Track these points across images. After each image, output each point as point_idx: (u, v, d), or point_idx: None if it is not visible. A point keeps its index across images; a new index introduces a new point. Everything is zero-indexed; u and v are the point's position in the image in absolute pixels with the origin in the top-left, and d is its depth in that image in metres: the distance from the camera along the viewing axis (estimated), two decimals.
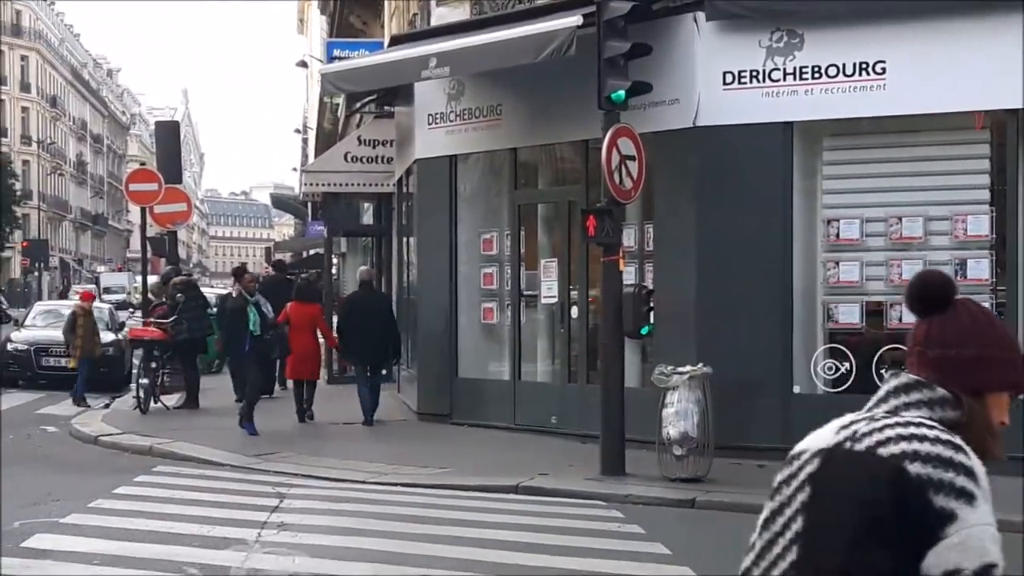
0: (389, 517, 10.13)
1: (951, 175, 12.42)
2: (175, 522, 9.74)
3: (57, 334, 20.60)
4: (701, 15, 12.87)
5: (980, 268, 12.11)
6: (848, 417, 2.28)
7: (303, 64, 48.72)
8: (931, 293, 2.33)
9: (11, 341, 22.77)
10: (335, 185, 22.79)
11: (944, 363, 2.27)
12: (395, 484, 11.92)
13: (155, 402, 17.63)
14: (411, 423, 16.32)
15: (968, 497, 2.09)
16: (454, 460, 13.02)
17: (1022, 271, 11.99)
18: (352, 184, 22.40)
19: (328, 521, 10.04)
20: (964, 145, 12.46)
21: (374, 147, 21.43)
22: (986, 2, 11.99)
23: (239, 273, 16.84)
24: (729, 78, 12.83)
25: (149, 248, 23.10)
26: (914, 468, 2.11)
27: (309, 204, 37.52)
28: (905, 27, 12.18)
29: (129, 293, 58.12)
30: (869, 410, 2.29)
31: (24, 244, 73.37)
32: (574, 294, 14.79)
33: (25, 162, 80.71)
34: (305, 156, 55.88)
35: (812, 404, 12.18)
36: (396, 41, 17.38)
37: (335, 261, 31.29)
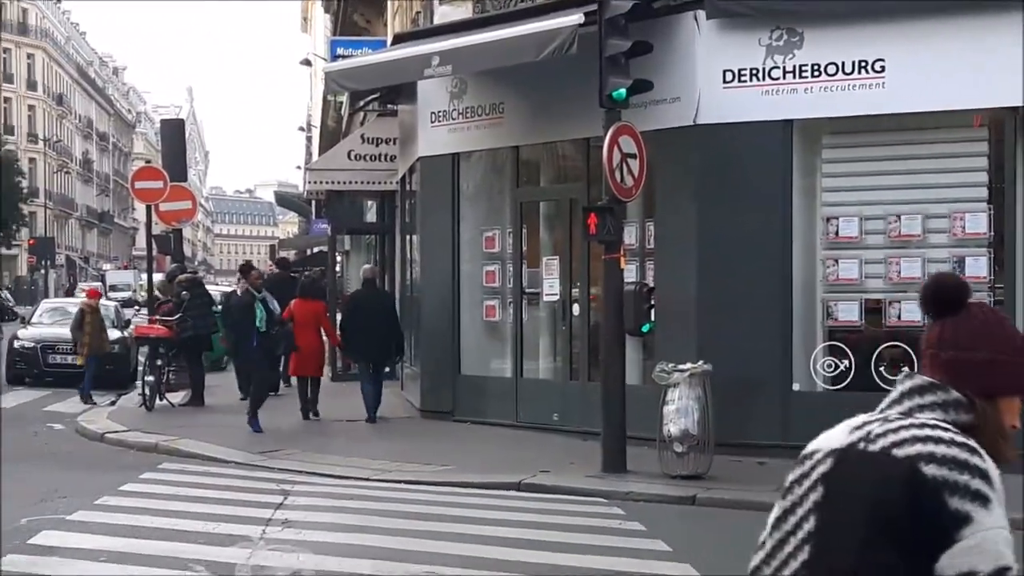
0: (392, 514, 10.18)
1: (950, 173, 12.44)
2: (180, 519, 9.81)
3: (63, 331, 20.66)
4: (701, 13, 12.90)
5: (978, 266, 12.13)
6: (861, 418, 2.30)
7: (307, 62, 48.79)
8: (945, 295, 2.35)
9: (18, 338, 22.79)
10: (339, 183, 22.80)
11: (957, 366, 2.29)
12: (398, 481, 11.99)
13: (160, 399, 17.73)
14: (414, 420, 16.37)
15: (983, 500, 2.11)
16: (456, 457, 13.08)
17: (1020, 269, 12.01)
18: (355, 182, 22.42)
19: (332, 518, 10.09)
20: (963, 143, 12.50)
21: (377, 145, 21.48)
22: (985, 1, 12.02)
23: (246, 270, 16.99)
24: (729, 76, 12.88)
25: (155, 246, 23.20)
26: (930, 470, 2.13)
27: (313, 202, 37.54)
28: (904, 26, 12.21)
29: (135, 291, 58.36)
30: (882, 411, 2.31)
31: (31, 242, 73.55)
32: (575, 292, 14.83)
33: (32, 160, 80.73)
34: (309, 154, 56.01)
35: (811, 401, 12.25)
36: (399, 39, 17.45)
37: (339, 259, 31.37)
